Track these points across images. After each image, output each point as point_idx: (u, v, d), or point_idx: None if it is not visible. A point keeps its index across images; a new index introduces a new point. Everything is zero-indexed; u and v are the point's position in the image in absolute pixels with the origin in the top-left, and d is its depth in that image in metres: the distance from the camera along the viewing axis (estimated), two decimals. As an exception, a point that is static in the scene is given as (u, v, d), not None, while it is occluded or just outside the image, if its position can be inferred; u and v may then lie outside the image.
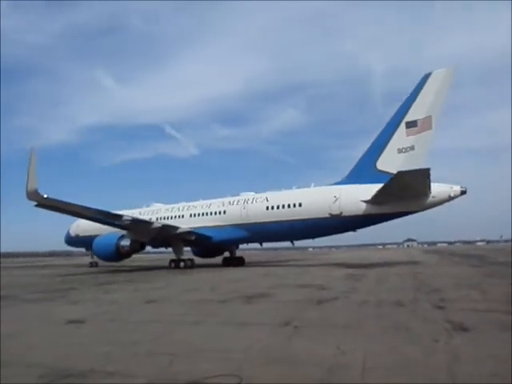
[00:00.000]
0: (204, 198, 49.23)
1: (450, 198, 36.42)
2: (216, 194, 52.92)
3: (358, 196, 37.93)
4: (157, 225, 43.17)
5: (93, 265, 52.32)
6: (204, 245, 48.10)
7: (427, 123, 38.32)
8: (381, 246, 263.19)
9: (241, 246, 50.64)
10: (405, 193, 35.35)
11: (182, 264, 43.03)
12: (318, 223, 40.24)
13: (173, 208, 51.30)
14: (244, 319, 9.73)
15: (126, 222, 41.04)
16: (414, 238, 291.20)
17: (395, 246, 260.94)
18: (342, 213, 38.72)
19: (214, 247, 48.85)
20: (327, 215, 39.30)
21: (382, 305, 11.49)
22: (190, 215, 48.74)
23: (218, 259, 50.16)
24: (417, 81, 39.64)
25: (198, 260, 48.65)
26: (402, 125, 39.12)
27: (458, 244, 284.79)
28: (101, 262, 50.08)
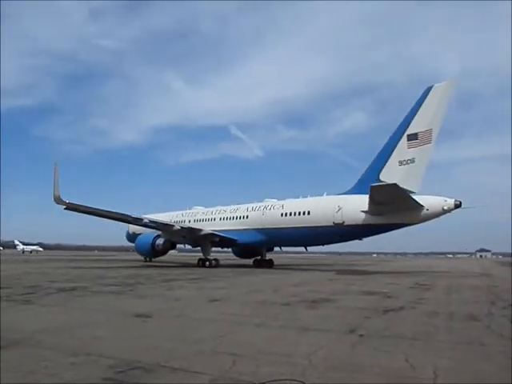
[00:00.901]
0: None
1: (444, 211, 37.18)
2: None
3: (359, 206, 39.11)
4: (177, 227, 47.38)
5: (146, 260, 57.04)
6: (233, 246, 52.69)
7: (428, 136, 39.25)
8: (451, 256, 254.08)
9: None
10: (399, 205, 36.68)
11: (207, 263, 46.77)
12: (323, 231, 42.32)
13: (208, 211, 55.86)
14: (307, 324, 9.61)
15: (147, 224, 46.11)
16: (487, 248, 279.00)
17: (466, 256, 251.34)
18: (344, 222, 40.43)
19: (249, 249, 52.46)
20: (331, 224, 41.10)
21: (453, 317, 11.03)
22: (220, 219, 52.67)
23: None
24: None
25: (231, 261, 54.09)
26: (404, 137, 40.12)
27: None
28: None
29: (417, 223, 39.35)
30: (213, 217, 54.11)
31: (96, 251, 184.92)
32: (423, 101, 40.33)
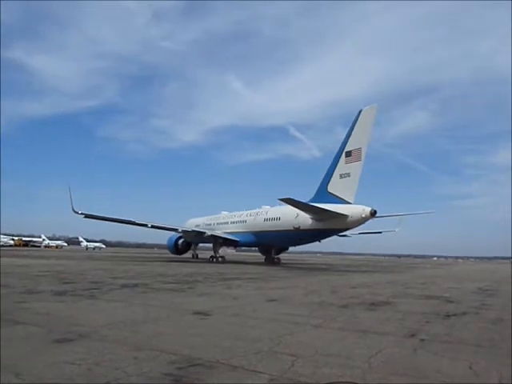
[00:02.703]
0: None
1: (363, 219, 43.77)
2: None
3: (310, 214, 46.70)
4: (179, 230, 60.49)
5: (194, 256, 67.55)
6: (237, 246, 63.61)
7: (358, 154, 45.94)
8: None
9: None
10: (324, 214, 44.79)
11: (214, 260, 57.74)
12: (288, 234, 51.12)
13: (226, 216, 66.33)
14: (366, 327, 9.48)
15: (150, 227, 55.75)
16: None
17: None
18: (300, 227, 48.90)
19: (266, 248, 62.53)
20: (292, 228, 49.81)
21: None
22: (231, 222, 62.56)
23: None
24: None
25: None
26: (344, 154, 47.25)
27: None
28: (200, 255, 67.94)
29: (346, 228, 47.71)
30: (227, 221, 64.03)
31: (155, 249, 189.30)
32: (356, 122, 47.02)
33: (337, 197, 46.00)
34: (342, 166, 47.05)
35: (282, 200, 43.91)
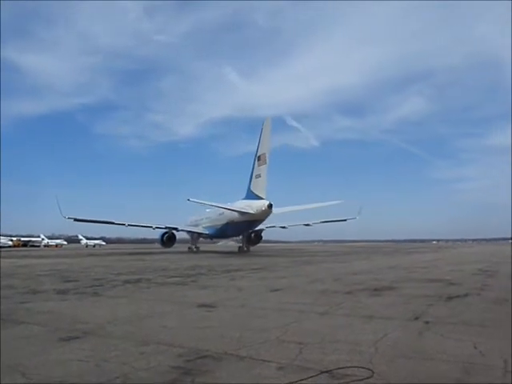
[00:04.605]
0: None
1: (264, 211, 56.16)
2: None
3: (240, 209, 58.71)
4: (153, 227, 68.71)
5: (191, 249, 75.37)
6: (208, 238, 76.98)
7: (264, 159, 59.11)
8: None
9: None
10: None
11: (189, 249, 73.79)
12: (232, 226, 63.34)
13: (206, 213, 75.08)
14: (371, 312, 9.52)
15: (127, 226, 66.40)
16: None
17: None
18: (233, 220, 61.80)
19: (251, 240, 70.51)
20: (232, 221, 62.25)
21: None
22: (205, 218, 74.32)
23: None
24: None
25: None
26: (256, 158, 60.62)
27: None
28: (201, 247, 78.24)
29: (261, 219, 59.10)
30: (203, 217, 75.72)
31: (156, 244, 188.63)
32: (262, 130, 60.32)
33: (256, 194, 58.98)
34: (256, 169, 60.41)
35: (189, 201, 57.55)
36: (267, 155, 58.13)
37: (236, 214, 59.97)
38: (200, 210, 76.85)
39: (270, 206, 55.11)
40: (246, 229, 63.12)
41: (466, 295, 12.50)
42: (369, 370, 5.18)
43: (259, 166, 59.57)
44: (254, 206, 56.59)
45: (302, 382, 4.81)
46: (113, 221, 65.48)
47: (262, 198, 57.04)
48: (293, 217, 79.32)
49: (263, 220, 60.17)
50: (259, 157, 59.80)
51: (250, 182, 61.12)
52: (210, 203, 63.56)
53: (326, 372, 5.14)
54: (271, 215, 58.88)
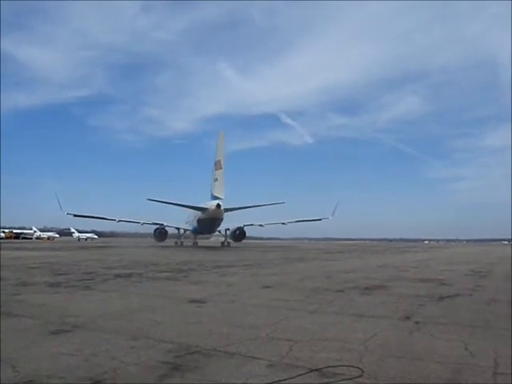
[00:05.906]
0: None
1: (214, 211, 64.25)
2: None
3: None
4: (141, 223, 77.13)
5: (177, 243, 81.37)
6: (193, 233, 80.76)
7: (220, 164, 69.70)
8: (506, 242, 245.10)
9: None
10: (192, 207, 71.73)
11: (176, 244, 80.00)
12: (199, 224, 70.83)
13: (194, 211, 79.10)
14: (362, 310, 9.54)
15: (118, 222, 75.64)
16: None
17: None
18: (200, 218, 68.75)
19: (236, 236, 78.66)
20: (197, 219, 70.08)
21: (512, 305, 10.63)
22: (191, 216, 76.36)
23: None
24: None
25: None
26: (214, 164, 71.58)
27: None
28: (185, 242, 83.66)
29: (216, 217, 66.45)
30: (190, 215, 77.23)
31: (149, 238, 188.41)
32: (217, 142, 72.05)
33: (215, 196, 67.88)
34: (214, 173, 70.55)
35: (150, 200, 66.31)
36: (222, 161, 69.18)
37: (200, 212, 68.53)
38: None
39: (219, 205, 63.16)
40: (211, 225, 70.39)
41: (457, 295, 12.53)
42: (358, 368, 5.18)
43: (216, 170, 70.39)
44: (208, 206, 65.68)
45: (292, 380, 4.81)
46: (105, 216, 74.11)
47: (220, 199, 65.98)
48: (268, 216, 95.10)
49: (221, 218, 68.00)
50: (216, 163, 70.95)
51: (211, 184, 71.85)
52: (169, 202, 70.53)
53: (316, 370, 5.15)
54: (232, 214, 71.62)
